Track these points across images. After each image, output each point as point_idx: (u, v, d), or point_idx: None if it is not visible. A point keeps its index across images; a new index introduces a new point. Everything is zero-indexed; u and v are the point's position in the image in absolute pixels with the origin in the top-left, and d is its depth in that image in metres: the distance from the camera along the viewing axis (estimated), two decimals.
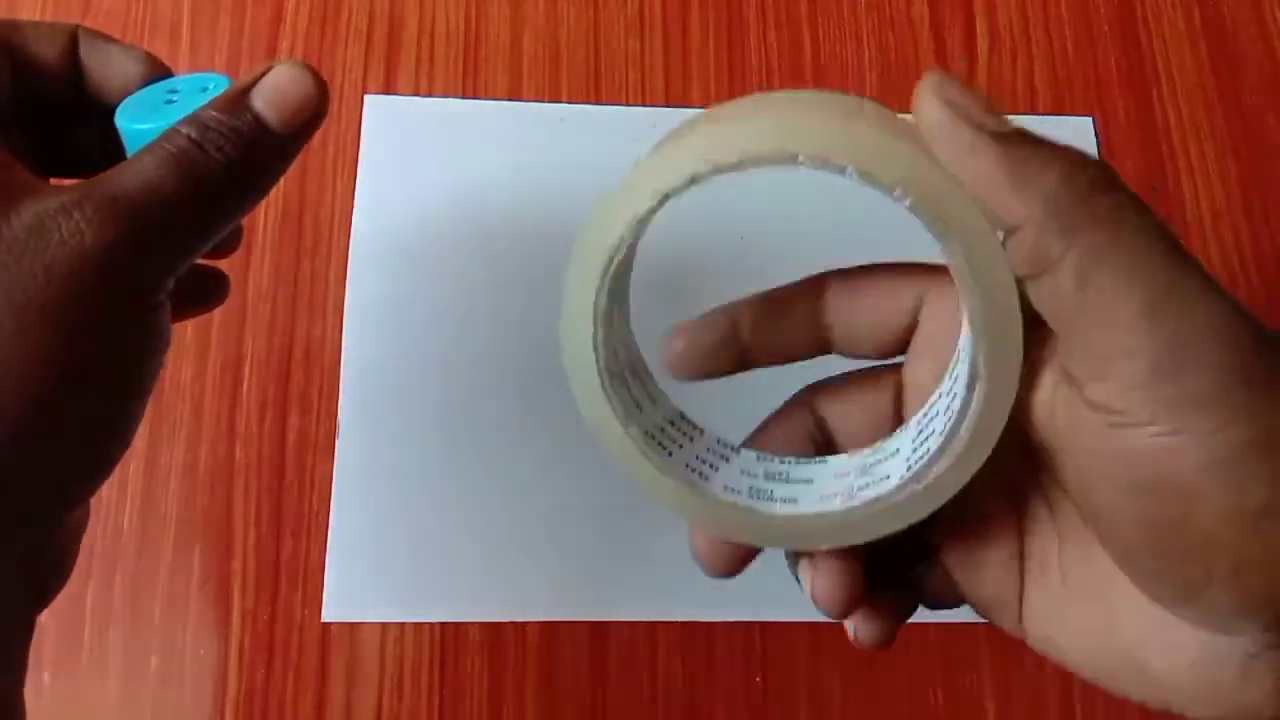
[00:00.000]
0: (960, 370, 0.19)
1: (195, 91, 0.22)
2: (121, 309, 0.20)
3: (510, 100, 0.41)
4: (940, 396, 0.20)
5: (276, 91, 0.21)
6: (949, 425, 0.19)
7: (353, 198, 0.39)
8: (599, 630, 0.36)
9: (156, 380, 0.22)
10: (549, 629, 0.36)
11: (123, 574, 0.35)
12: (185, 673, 0.34)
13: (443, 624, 0.35)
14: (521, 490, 0.36)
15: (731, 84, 0.43)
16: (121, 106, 0.23)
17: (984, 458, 0.19)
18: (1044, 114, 0.43)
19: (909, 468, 0.20)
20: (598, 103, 0.41)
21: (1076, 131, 0.42)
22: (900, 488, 0.20)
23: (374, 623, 0.35)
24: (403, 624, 0.35)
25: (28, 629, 0.21)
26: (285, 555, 0.36)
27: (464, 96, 0.41)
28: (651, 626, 0.36)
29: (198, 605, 0.35)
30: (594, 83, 0.42)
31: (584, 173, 0.39)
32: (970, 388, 0.19)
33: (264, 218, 0.39)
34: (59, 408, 0.19)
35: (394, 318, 0.37)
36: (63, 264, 0.18)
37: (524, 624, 0.35)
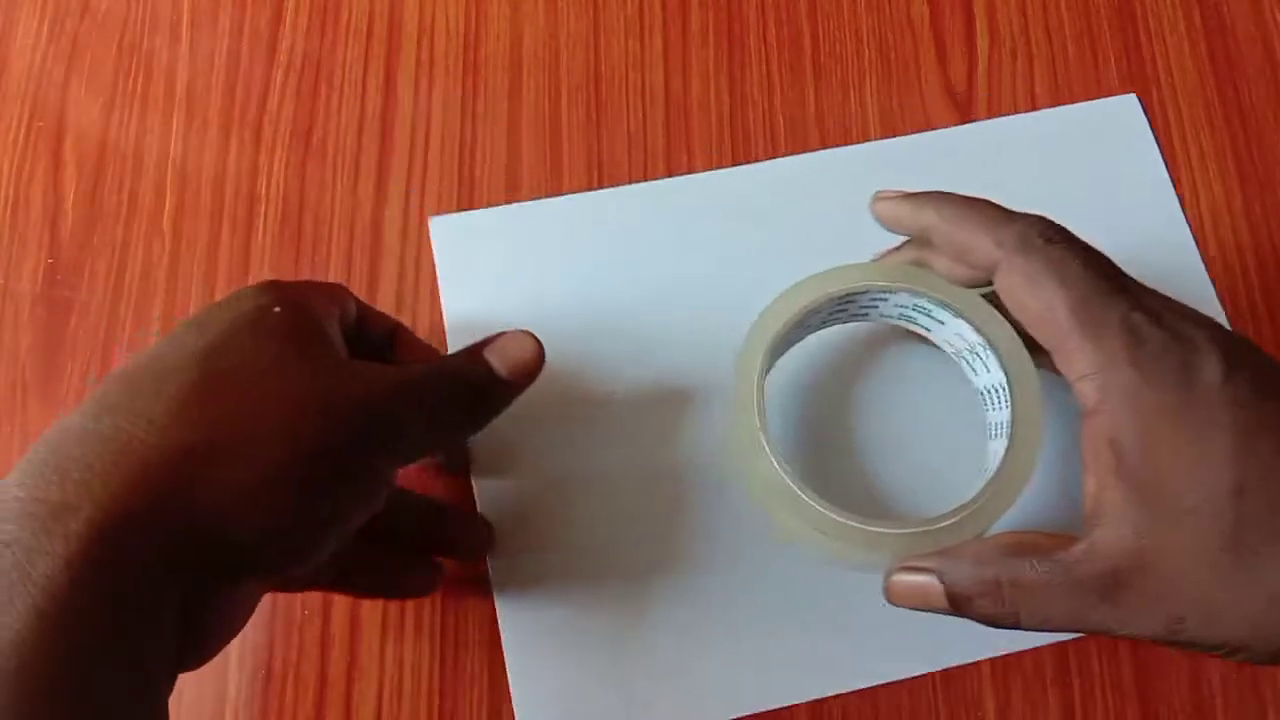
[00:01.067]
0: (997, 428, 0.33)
1: None
2: (379, 442, 0.26)
3: (556, 196, 0.40)
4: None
5: (504, 350, 0.29)
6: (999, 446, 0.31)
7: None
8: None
9: (356, 528, 0.27)
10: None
11: None
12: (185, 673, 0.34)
13: (443, 624, 0.35)
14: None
15: (731, 84, 0.43)
16: None
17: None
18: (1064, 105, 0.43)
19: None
20: (615, 191, 0.41)
21: (1123, 108, 0.42)
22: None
23: (375, 622, 0.35)
24: (403, 624, 0.35)
25: (170, 680, 0.24)
26: None
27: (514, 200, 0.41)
28: None
29: None
30: (594, 84, 0.42)
31: (650, 248, 0.40)
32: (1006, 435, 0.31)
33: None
34: (298, 492, 0.24)
35: (515, 430, 0.37)
36: (358, 390, 0.26)
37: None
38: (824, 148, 0.42)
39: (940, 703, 0.35)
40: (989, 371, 0.33)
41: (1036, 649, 0.36)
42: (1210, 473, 0.24)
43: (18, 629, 0.20)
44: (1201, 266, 0.40)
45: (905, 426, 0.37)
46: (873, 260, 0.34)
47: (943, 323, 0.33)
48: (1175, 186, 0.41)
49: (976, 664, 0.36)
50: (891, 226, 0.32)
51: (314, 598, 0.35)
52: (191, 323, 0.26)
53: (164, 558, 0.22)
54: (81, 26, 0.42)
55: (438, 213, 0.40)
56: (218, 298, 0.38)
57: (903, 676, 0.35)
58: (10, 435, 0.37)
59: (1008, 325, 0.31)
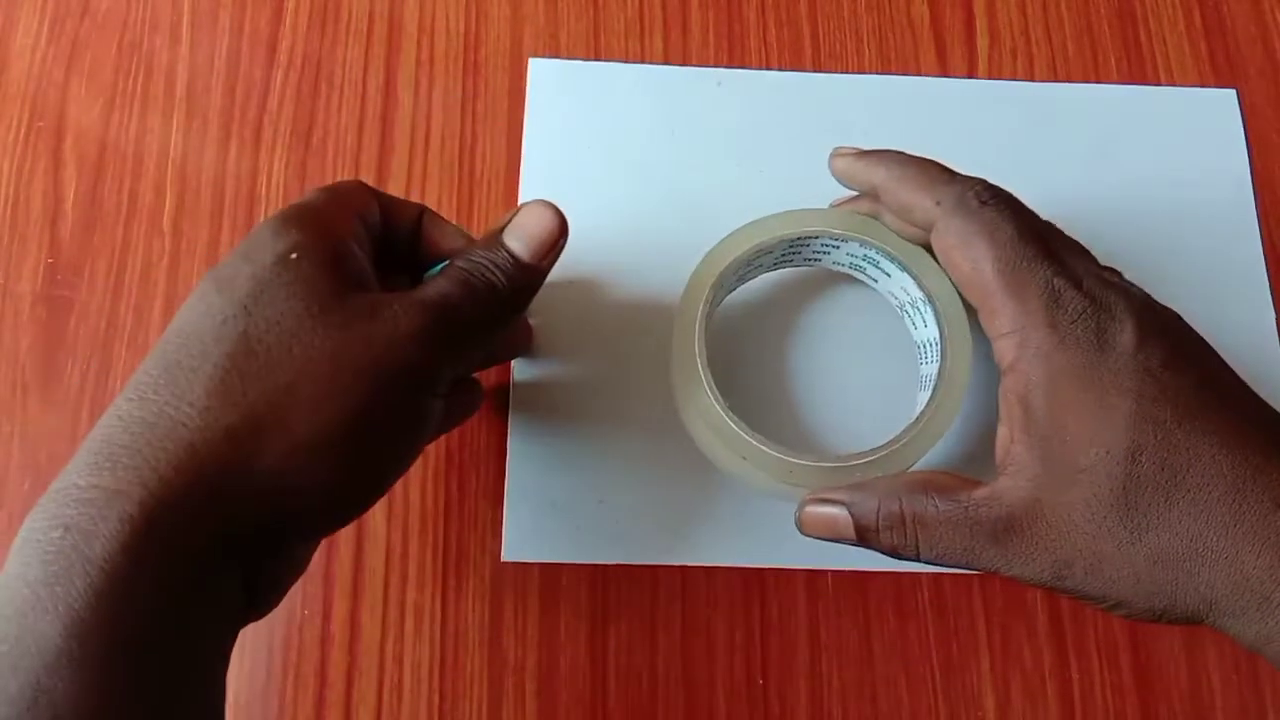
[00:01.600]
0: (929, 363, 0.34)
1: None
2: (418, 384, 0.26)
3: (666, 64, 0.42)
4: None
5: (523, 229, 0.29)
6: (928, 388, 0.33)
7: (519, 156, 0.41)
8: (597, 630, 0.36)
9: (414, 462, 0.28)
10: (549, 627, 0.36)
11: None
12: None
13: (443, 624, 0.35)
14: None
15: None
16: (429, 271, 0.29)
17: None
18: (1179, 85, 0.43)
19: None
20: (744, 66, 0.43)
21: (1219, 102, 0.43)
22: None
23: (375, 622, 0.35)
24: (403, 624, 0.35)
25: (232, 639, 0.25)
26: None
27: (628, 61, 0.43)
28: (652, 630, 0.36)
29: None
30: None
31: (734, 135, 0.42)
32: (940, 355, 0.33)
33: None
34: (350, 451, 0.24)
35: (559, 275, 0.38)
36: (386, 336, 0.25)
37: (524, 624, 0.35)
38: None
39: (940, 700, 0.35)
40: (926, 326, 0.34)
41: (1036, 649, 0.36)
42: (1108, 434, 0.25)
43: (77, 609, 0.20)
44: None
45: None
46: (830, 207, 0.36)
47: (889, 275, 0.35)
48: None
49: (976, 663, 0.36)
50: (846, 183, 0.33)
51: (314, 597, 0.35)
52: (215, 281, 0.25)
53: (219, 534, 0.23)
54: (81, 27, 0.42)
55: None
56: None
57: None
58: (10, 435, 0.37)
59: (949, 282, 0.33)
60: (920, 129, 0.42)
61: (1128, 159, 0.42)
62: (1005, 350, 0.28)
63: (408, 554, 0.36)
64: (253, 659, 0.35)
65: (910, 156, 0.31)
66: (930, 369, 0.34)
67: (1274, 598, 0.24)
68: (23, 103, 0.41)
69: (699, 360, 0.32)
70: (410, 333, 0.25)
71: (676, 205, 0.40)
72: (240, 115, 0.41)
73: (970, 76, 0.43)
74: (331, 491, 0.25)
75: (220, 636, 0.24)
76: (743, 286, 0.38)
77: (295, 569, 0.27)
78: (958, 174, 0.30)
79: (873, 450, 0.31)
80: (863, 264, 0.35)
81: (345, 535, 0.36)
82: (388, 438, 0.26)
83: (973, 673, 0.36)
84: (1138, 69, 0.43)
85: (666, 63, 0.42)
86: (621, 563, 0.36)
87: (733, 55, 0.43)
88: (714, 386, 0.32)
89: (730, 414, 0.31)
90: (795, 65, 0.43)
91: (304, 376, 0.24)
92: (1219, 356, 0.28)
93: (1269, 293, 0.40)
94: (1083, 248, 0.30)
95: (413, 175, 0.40)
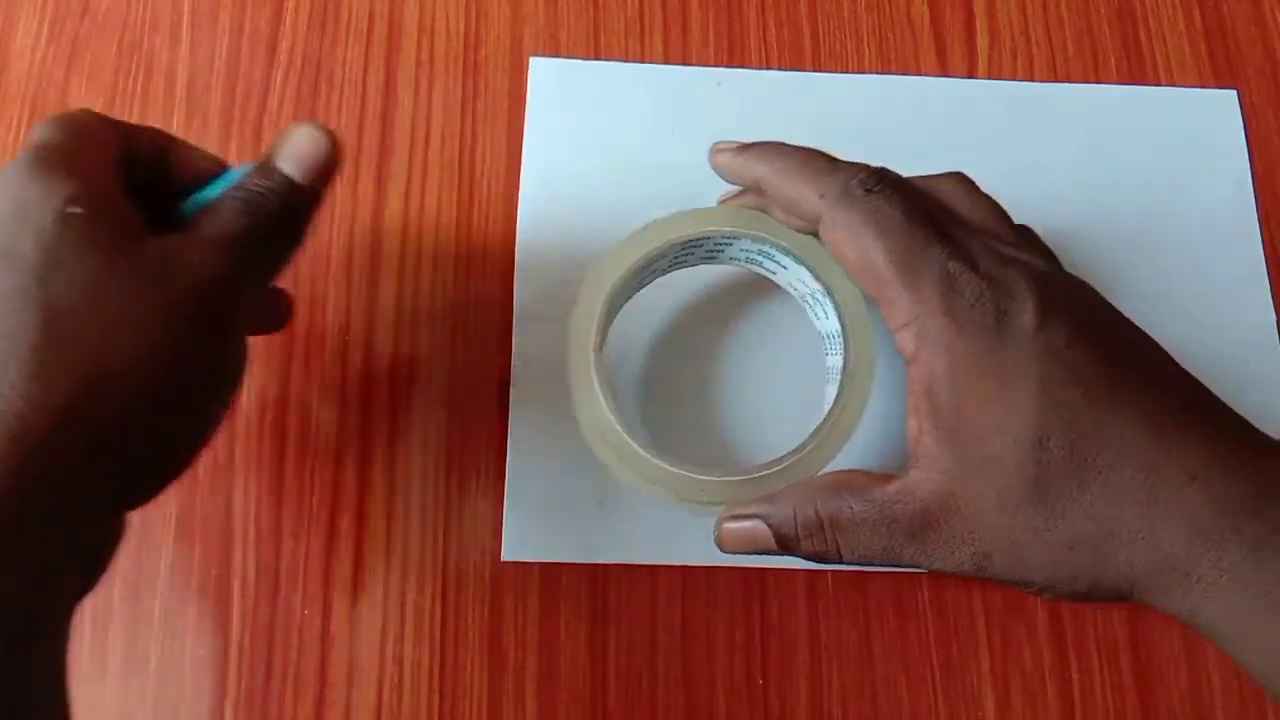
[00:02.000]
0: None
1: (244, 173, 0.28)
2: (225, 325, 0.26)
3: (667, 64, 0.43)
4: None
5: (296, 153, 0.28)
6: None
7: (519, 156, 0.41)
8: (597, 630, 0.36)
9: (232, 403, 0.27)
10: (550, 627, 0.36)
11: (122, 574, 0.35)
12: (185, 673, 0.34)
13: (443, 624, 0.35)
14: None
15: None
16: (189, 200, 0.28)
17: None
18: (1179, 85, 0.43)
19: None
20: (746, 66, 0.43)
21: (1220, 103, 0.43)
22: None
23: (374, 623, 0.35)
24: (403, 624, 0.35)
25: (69, 613, 0.24)
26: (285, 556, 0.36)
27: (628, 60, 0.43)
28: (652, 622, 0.36)
29: (197, 605, 0.35)
30: None
31: (734, 134, 0.41)
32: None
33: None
34: (172, 402, 0.24)
35: (560, 275, 0.39)
36: (188, 282, 0.24)
37: (524, 625, 0.35)
38: None
39: (940, 700, 0.35)
40: (828, 318, 0.34)
41: (1036, 649, 0.36)
42: (1014, 422, 0.25)
43: None
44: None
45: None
46: (718, 203, 0.34)
47: (785, 268, 0.34)
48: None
49: (976, 663, 0.36)
50: (729, 179, 0.32)
51: (314, 597, 0.35)
52: None
53: (49, 515, 0.22)
54: (81, 27, 0.42)
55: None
56: None
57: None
58: None
59: (849, 283, 0.32)
60: (920, 129, 0.42)
61: (1128, 159, 0.42)
62: (906, 342, 0.27)
63: (408, 554, 0.36)
64: (252, 659, 0.35)
65: (792, 148, 0.30)
66: (836, 361, 0.33)
67: (1194, 573, 0.24)
68: (22, 103, 0.41)
69: (595, 383, 0.31)
70: (208, 274, 0.25)
71: (677, 205, 0.39)
72: (240, 115, 0.41)
73: (970, 76, 0.43)
74: (159, 446, 0.25)
75: (59, 619, 0.24)
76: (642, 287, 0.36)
77: (118, 537, 0.27)
78: (841, 162, 0.29)
79: (781, 458, 0.30)
80: (759, 258, 0.34)
81: (345, 535, 0.36)
82: (206, 383, 0.26)
83: (973, 673, 0.36)
84: (1138, 69, 0.43)
85: (666, 63, 0.42)
86: (621, 563, 0.36)
87: (733, 55, 0.43)
88: (614, 409, 0.31)
89: (634, 434, 0.30)
90: (795, 65, 0.43)
91: (114, 340, 0.23)
92: (1132, 325, 0.28)
93: (1269, 293, 0.40)
94: (985, 222, 0.29)
95: (412, 175, 0.40)
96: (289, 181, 0.27)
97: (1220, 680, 0.36)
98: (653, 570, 0.36)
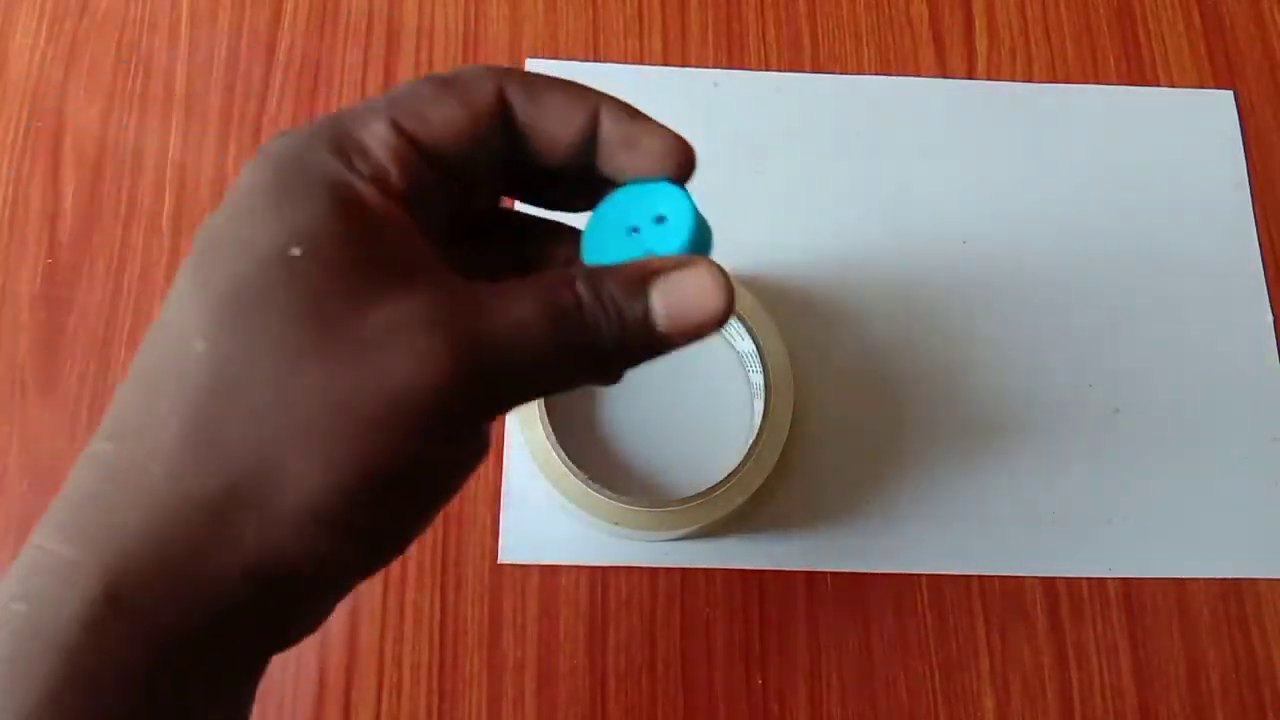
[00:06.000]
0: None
1: (651, 221, 0.21)
2: (446, 437, 0.19)
3: (664, 65, 0.43)
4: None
5: (679, 295, 0.20)
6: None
7: None
8: (596, 630, 0.36)
9: (435, 518, 0.21)
10: (548, 628, 0.35)
11: None
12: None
13: (442, 624, 0.35)
14: None
15: None
16: (588, 226, 0.22)
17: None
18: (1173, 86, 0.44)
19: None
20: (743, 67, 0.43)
21: (1217, 103, 0.43)
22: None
23: (375, 622, 0.35)
24: (402, 624, 0.35)
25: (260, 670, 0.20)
26: None
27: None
28: (651, 634, 0.36)
29: None
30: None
31: (731, 136, 0.42)
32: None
33: None
34: (352, 523, 0.19)
35: None
36: (400, 382, 0.18)
37: (523, 625, 0.35)
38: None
39: (940, 701, 0.35)
40: (743, 339, 0.36)
41: (1036, 649, 0.36)
42: None
43: (30, 704, 0.17)
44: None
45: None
46: None
47: None
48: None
49: (976, 663, 0.36)
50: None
51: None
52: (194, 270, 0.19)
53: (198, 611, 0.18)
54: (80, 27, 0.42)
55: None
56: None
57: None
58: (10, 435, 0.37)
59: (749, 296, 0.34)
60: (919, 129, 0.42)
61: (1126, 159, 0.42)
62: None
63: (407, 555, 0.36)
64: None
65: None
66: (758, 378, 0.35)
67: None
68: (21, 103, 0.41)
69: (537, 408, 0.34)
70: (439, 387, 0.18)
71: None
72: (239, 115, 0.41)
73: (969, 77, 0.43)
74: (329, 566, 0.19)
75: (219, 701, 0.20)
76: None
77: (316, 617, 0.21)
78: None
79: (703, 493, 0.33)
80: None
81: None
82: (400, 502, 0.19)
83: (972, 673, 0.36)
84: (1136, 69, 0.43)
85: (665, 63, 0.42)
86: (621, 563, 0.36)
87: (732, 55, 0.43)
88: (553, 437, 0.34)
89: (568, 461, 0.34)
90: (794, 66, 0.43)
91: (294, 428, 0.18)
92: None
93: (1266, 292, 0.40)
94: None
95: None
96: (646, 318, 0.20)
97: (1220, 680, 0.36)
98: (653, 570, 0.36)
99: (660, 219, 0.21)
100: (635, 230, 0.21)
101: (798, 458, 0.37)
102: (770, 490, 0.36)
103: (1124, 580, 0.37)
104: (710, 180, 0.39)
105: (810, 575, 0.36)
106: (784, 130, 0.42)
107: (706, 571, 0.36)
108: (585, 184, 0.22)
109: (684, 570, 0.36)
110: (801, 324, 0.39)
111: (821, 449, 0.38)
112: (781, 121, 0.42)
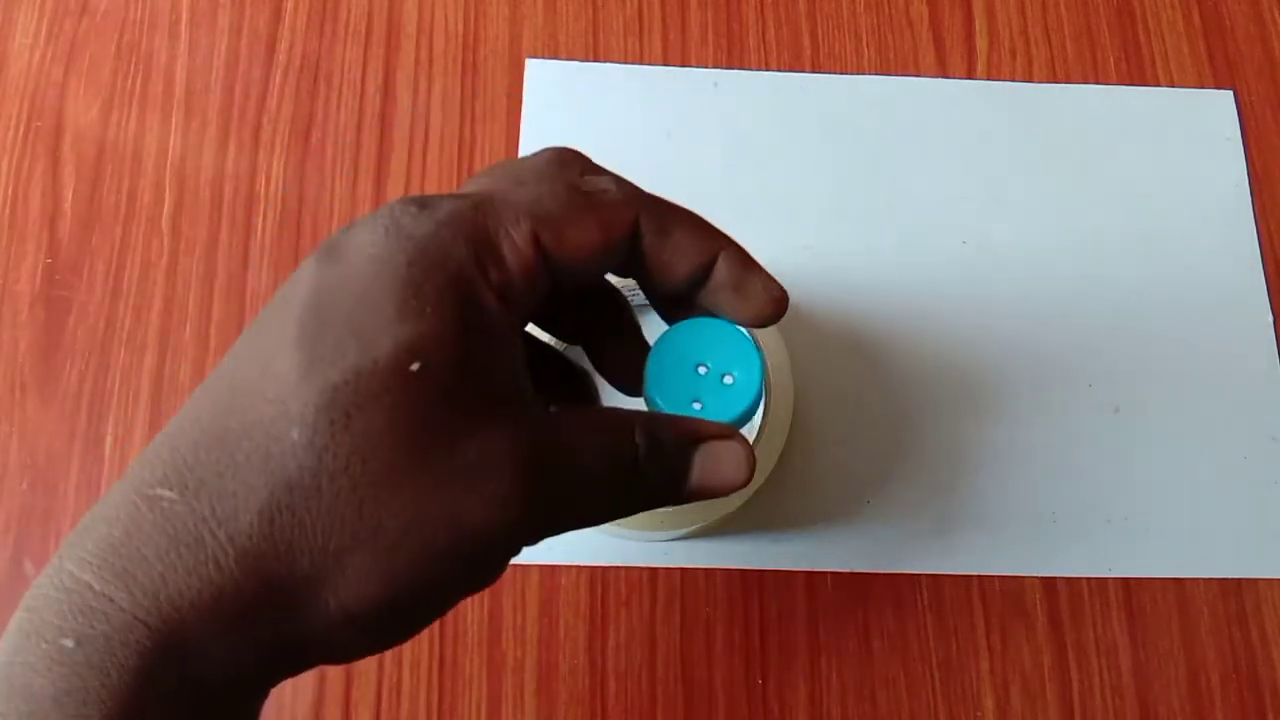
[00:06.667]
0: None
1: (717, 373, 0.23)
2: (489, 562, 0.20)
3: (664, 65, 0.43)
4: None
5: (714, 464, 0.22)
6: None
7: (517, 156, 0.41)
8: (596, 630, 0.36)
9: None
10: (549, 628, 0.35)
11: None
12: None
13: (442, 624, 0.35)
14: None
15: None
16: (656, 348, 0.23)
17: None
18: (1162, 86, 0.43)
19: None
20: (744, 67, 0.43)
21: (1217, 103, 0.43)
22: None
23: None
24: None
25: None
26: None
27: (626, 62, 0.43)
28: (651, 627, 0.36)
29: None
30: None
31: (731, 136, 0.42)
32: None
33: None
34: (392, 626, 0.20)
35: None
36: (478, 520, 0.19)
37: (523, 625, 0.35)
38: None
39: (940, 700, 0.35)
40: None
41: (1036, 649, 0.36)
42: None
43: None
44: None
45: None
46: None
47: None
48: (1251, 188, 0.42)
49: (975, 663, 0.36)
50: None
51: None
52: (303, 349, 0.18)
53: (235, 668, 0.19)
54: (80, 26, 0.42)
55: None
56: (216, 299, 0.38)
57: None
58: (9, 435, 0.37)
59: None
60: (919, 129, 0.42)
61: (1126, 159, 0.42)
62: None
63: None
64: None
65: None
66: None
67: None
68: (21, 102, 0.41)
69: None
70: (524, 517, 0.19)
71: None
72: (239, 115, 0.41)
73: (969, 77, 0.43)
74: (335, 653, 0.20)
75: None
76: None
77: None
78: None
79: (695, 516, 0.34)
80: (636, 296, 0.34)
81: None
82: (437, 609, 0.21)
83: (972, 673, 0.36)
84: (1136, 69, 0.43)
85: (665, 63, 0.42)
86: (621, 563, 0.36)
87: (731, 55, 0.43)
88: None
89: None
90: (794, 66, 0.43)
91: (370, 543, 0.18)
92: None
93: (1266, 292, 0.40)
94: None
95: (411, 176, 0.40)
96: (686, 470, 0.21)
97: (1220, 680, 0.36)
98: (653, 570, 0.36)
99: (727, 377, 0.23)
100: (700, 367, 0.23)
101: (797, 458, 0.37)
102: (770, 490, 0.36)
103: (1124, 580, 0.37)
104: (710, 180, 0.39)
105: (810, 575, 0.36)
106: (784, 130, 0.42)
107: (706, 571, 0.36)
108: (669, 304, 0.23)
109: (683, 570, 0.36)
110: (801, 324, 0.39)
111: (821, 449, 0.38)
112: (781, 121, 0.42)
